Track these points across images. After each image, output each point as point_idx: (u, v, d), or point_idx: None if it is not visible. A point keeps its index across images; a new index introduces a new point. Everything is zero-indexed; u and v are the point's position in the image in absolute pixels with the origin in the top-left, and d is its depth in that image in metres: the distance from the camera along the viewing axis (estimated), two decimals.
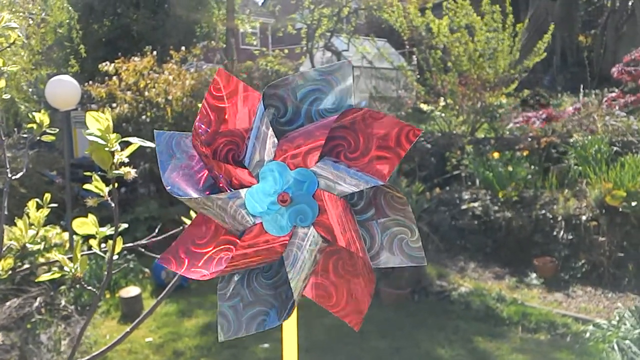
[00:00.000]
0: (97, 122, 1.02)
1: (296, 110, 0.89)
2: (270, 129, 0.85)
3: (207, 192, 0.89)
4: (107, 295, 5.78)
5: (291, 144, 0.85)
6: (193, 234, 0.91)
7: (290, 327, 0.95)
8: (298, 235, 0.86)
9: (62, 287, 5.44)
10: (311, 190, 0.85)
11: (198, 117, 0.88)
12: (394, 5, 10.71)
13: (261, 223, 0.85)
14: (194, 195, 0.87)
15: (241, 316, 0.89)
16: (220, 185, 0.88)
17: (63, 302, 5.07)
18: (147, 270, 6.28)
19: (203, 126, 0.88)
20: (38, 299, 4.76)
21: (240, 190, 0.85)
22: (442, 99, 9.56)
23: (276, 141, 0.86)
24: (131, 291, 5.65)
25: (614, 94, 8.57)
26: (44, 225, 1.58)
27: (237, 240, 0.87)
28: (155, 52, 9.19)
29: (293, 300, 0.86)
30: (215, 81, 0.88)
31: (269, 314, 0.88)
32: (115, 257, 1.23)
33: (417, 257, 0.89)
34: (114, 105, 8.59)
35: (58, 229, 1.83)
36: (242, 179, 0.86)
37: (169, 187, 0.87)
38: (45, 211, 1.45)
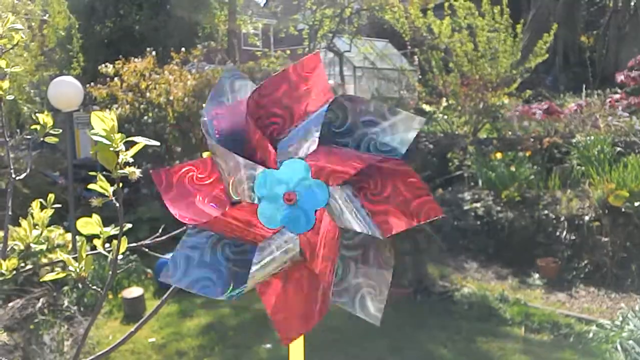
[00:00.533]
0: (102, 122, 1.02)
1: (352, 129, 0.88)
2: (318, 133, 0.85)
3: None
4: (110, 296, 5.78)
5: (326, 157, 0.85)
6: (194, 167, 0.91)
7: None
8: (284, 236, 0.86)
9: (65, 288, 5.44)
10: (317, 206, 0.85)
11: (270, 81, 0.89)
12: (396, 6, 10.72)
13: (257, 205, 0.85)
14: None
15: (190, 270, 0.89)
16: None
17: (66, 303, 5.08)
18: (149, 270, 6.28)
19: (268, 88, 0.89)
20: (41, 299, 4.77)
21: (258, 166, 0.85)
22: (444, 99, 9.56)
23: (314, 147, 0.85)
24: (134, 292, 5.65)
25: (617, 95, 8.56)
26: (48, 225, 1.58)
27: (227, 205, 0.88)
28: (155, 53, 9.20)
29: (244, 287, 0.86)
30: (306, 64, 0.89)
31: (215, 283, 0.89)
32: (120, 257, 1.23)
33: (372, 315, 0.92)
34: (116, 106, 8.61)
35: (61, 230, 1.84)
36: (266, 158, 0.86)
37: (205, 119, 0.89)
38: (49, 211, 1.45)
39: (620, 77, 8.91)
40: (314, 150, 0.85)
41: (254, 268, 0.85)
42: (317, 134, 0.84)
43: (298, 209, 0.84)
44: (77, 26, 9.40)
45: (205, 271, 0.89)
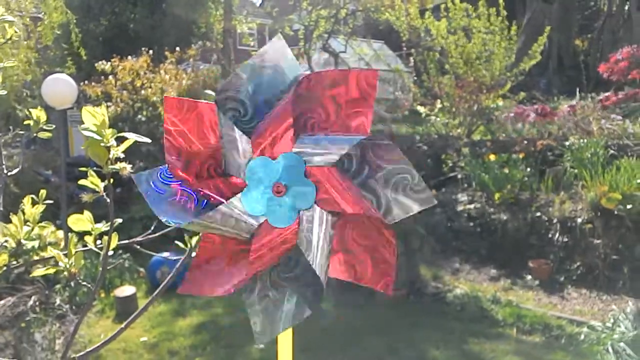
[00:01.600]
0: (93, 117, 1.02)
1: (254, 105, 0.88)
2: (237, 130, 0.85)
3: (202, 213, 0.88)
4: (102, 295, 5.76)
5: (263, 135, 0.85)
6: (203, 256, 0.91)
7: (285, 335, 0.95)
8: (305, 219, 0.85)
9: (57, 286, 5.42)
10: (301, 172, 0.84)
11: (165, 150, 0.88)
12: (396, 6, 10.73)
13: (266, 221, 0.84)
14: (191, 219, 0.86)
15: (273, 315, 0.88)
16: (213, 201, 0.87)
17: (58, 301, 5.06)
18: (142, 269, 6.26)
19: (173, 157, 0.88)
20: (32, 297, 4.74)
21: (234, 199, 0.84)
22: (438, 101, 9.59)
23: (248, 139, 0.85)
24: (126, 290, 5.64)
25: (607, 94, 8.63)
26: (39, 222, 1.57)
27: (249, 246, 0.87)
28: (151, 52, 9.19)
29: (322, 283, 0.85)
30: (166, 110, 0.88)
31: (300, 304, 0.88)
32: (110, 253, 1.22)
33: (425, 199, 0.85)
34: (110, 104, 8.59)
35: (52, 227, 1.83)
36: (234, 185, 0.86)
37: (164, 219, 0.86)
38: (40, 207, 1.45)
39: (604, 73, 8.97)
40: (251, 142, 0.85)
41: (315, 266, 0.85)
42: (237, 133, 0.85)
43: (293, 189, 0.84)
44: (74, 21, 9.34)
45: (285, 304, 0.89)
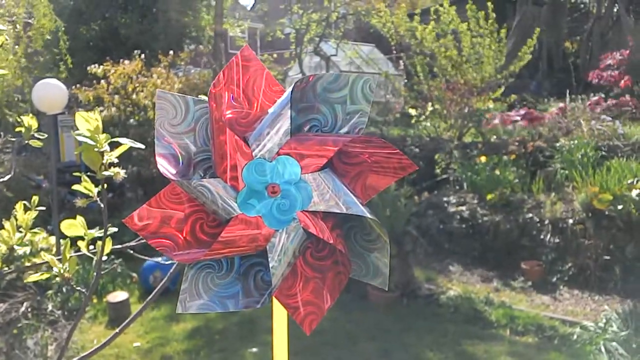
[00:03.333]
0: (87, 123, 1.02)
1: (313, 104, 0.90)
2: (288, 119, 0.85)
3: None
4: (95, 300, 5.73)
5: (302, 144, 0.86)
6: (165, 205, 0.89)
7: (280, 331, 0.95)
8: (287, 228, 0.86)
9: (49, 292, 5.39)
10: (297, 172, 0.85)
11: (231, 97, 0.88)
12: (382, 11, 10.78)
13: (243, 215, 0.84)
14: (179, 178, 0.86)
15: (204, 289, 0.89)
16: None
17: (50, 307, 5.03)
18: (134, 275, 6.24)
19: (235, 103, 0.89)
20: (25, 303, 4.72)
21: (234, 205, 0.85)
22: (429, 104, 9.62)
23: (287, 130, 0.85)
24: (119, 296, 5.62)
25: (595, 98, 8.69)
26: (31, 228, 1.57)
27: (216, 229, 0.88)
28: (143, 56, 9.17)
29: (272, 287, 0.86)
30: (241, 55, 0.89)
31: (238, 295, 0.89)
32: (104, 258, 1.22)
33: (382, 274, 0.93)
34: (101, 108, 8.56)
35: (45, 233, 1.82)
36: (241, 158, 0.85)
37: (159, 158, 0.87)
38: (32, 213, 1.44)
39: (592, 78, 9.05)
40: (288, 140, 0.85)
41: (274, 270, 0.85)
42: (288, 120, 0.85)
43: (279, 203, 0.84)
44: (63, 28, 9.32)
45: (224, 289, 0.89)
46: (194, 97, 0.90)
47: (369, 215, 0.86)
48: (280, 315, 0.94)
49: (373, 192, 0.91)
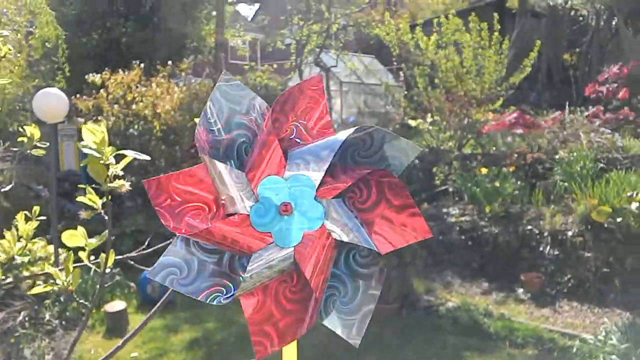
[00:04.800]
0: (93, 135, 1.02)
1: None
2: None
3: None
4: (92, 310, 5.71)
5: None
6: (182, 180, 0.91)
7: (290, 345, 0.95)
8: (280, 252, 0.87)
9: (47, 301, 5.37)
10: (309, 226, 0.86)
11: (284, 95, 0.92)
12: (386, 21, 10.84)
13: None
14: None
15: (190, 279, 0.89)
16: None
17: (47, 317, 5.01)
18: (132, 284, 6.22)
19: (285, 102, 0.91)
20: (22, 313, 4.69)
21: (246, 205, 0.86)
22: (429, 115, 9.64)
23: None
24: (116, 305, 5.60)
25: (594, 110, 8.72)
26: (31, 238, 1.57)
27: (209, 218, 0.89)
28: (143, 66, 9.19)
29: (233, 292, 0.87)
30: (310, 81, 0.93)
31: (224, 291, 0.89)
32: (108, 270, 1.22)
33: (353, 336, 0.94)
34: (100, 118, 8.57)
35: (43, 242, 1.82)
36: (275, 165, 0.87)
37: (200, 129, 0.89)
38: (34, 224, 1.44)
39: (591, 93, 9.09)
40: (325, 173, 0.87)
41: (247, 278, 0.86)
42: (330, 159, 0.87)
43: (290, 222, 0.85)
44: (63, 37, 9.34)
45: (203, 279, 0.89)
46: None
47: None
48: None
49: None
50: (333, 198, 0.87)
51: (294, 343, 0.94)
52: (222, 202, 0.88)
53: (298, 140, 0.91)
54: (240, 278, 0.87)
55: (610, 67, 9.18)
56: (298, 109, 0.91)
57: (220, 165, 0.87)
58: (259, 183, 0.86)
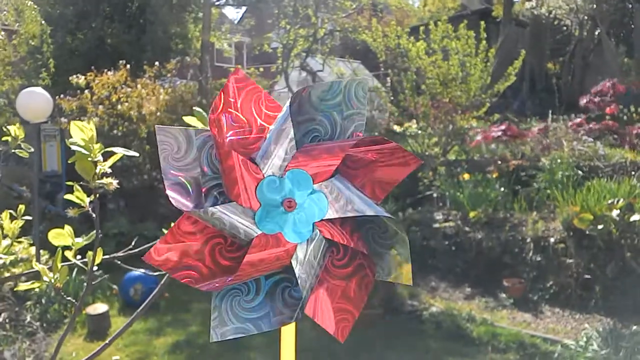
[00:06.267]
0: (81, 132, 1.01)
1: (313, 114, 0.91)
2: (292, 129, 0.87)
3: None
4: (73, 312, 5.65)
5: (309, 156, 0.87)
6: (180, 239, 0.89)
7: (288, 345, 0.95)
8: (309, 240, 0.87)
9: (28, 303, 5.30)
10: (309, 184, 0.86)
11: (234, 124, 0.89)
12: (373, 27, 10.90)
13: (263, 234, 0.85)
14: (193, 207, 0.86)
15: (236, 315, 0.89)
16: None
17: (28, 319, 4.94)
18: (115, 286, 6.16)
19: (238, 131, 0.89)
20: (2, 314, 4.63)
21: (253, 227, 0.86)
22: (414, 120, 9.69)
23: (293, 144, 0.87)
24: (98, 308, 5.54)
25: (578, 120, 8.82)
26: (16, 238, 1.55)
27: (236, 253, 0.88)
28: (128, 67, 9.13)
29: (302, 301, 0.87)
30: (233, 78, 0.90)
31: (269, 317, 0.89)
32: (95, 268, 1.21)
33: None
34: (84, 118, 8.50)
35: (25, 244, 1.80)
36: (251, 179, 0.86)
37: (171, 185, 0.87)
38: (19, 222, 1.43)
39: (583, 101, 9.21)
40: (294, 155, 0.86)
41: (303, 283, 0.86)
42: (291, 134, 0.86)
43: (297, 217, 0.85)
44: (48, 32, 9.23)
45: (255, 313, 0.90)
46: (195, 128, 0.90)
47: (384, 214, 0.87)
48: (288, 333, 0.94)
49: (387, 187, 0.93)
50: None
51: (293, 344, 0.94)
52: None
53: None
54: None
55: (604, 82, 9.29)
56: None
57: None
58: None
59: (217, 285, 0.87)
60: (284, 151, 0.85)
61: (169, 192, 0.86)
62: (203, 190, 0.88)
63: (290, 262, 0.86)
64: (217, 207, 0.84)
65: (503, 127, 8.31)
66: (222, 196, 0.88)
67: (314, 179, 0.86)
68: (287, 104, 0.88)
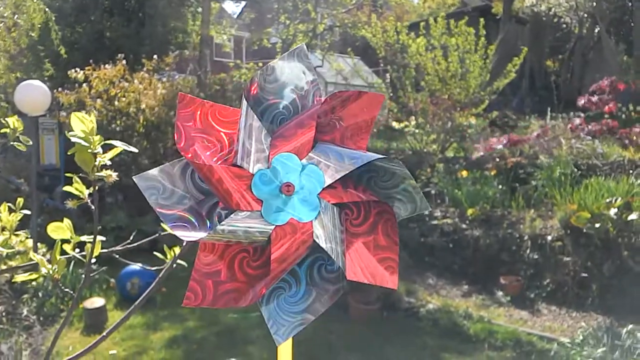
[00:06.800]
0: (82, 124, 1.01)
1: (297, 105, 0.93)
2: (259, 121, 0.88)
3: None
4: (70, 305, 5.65)
5: (283, 140, 0.88)
6: (204, 266, 0.90)
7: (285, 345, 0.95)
8: (321, 212, 0.87)
9: (25, 297, 5.30)
10: (317, 189, 0.87)
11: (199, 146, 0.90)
12: (373, 23, 10.88)
13: (277, 228, 0.85)
14: (203, 233, 0.86)
15: (286, 314, 0.90)
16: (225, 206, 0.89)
17: (25, 312, 4.94)
18: (112, 280, 6.16)
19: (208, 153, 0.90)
20: None
21: (266, 225, 0.86)
22: (413, 117, 9.69)
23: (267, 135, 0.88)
24: (95, 302, 5.54)
25: (578, 120, 8.83)
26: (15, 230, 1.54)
27: (258, 256, 0.89)
28: (126, 61, 9.10)
29: (341, 270, 0.87)
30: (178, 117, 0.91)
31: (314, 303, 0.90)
32: (93, 261, 1.21)
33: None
34: (83, 112, 8.47)
35: (23, 237, 1.79)
36: (238, 174, 0.86)
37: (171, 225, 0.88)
38: (18, 215, 1.42)
39: (581, 101, 9.23)
40: (271, 143, 0.88)
41: (335, 255, 0.86)
42: (259, 125, 0.88)
43: (286, 203, 0.85)
44: (53, 19, 9.15)
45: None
46: (168, 163, 0.91)
47: (376, 157, 0.87)
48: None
49: (364, 133, 0.94)
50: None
51: (290, 343, 0.94)
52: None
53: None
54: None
55: (603, 80, 9.31)
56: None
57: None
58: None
59: (257, 293, 0.87)
60: (260, 143, 0.87)
61: (175, 232, 0.86)
62: (204, 214, 0.88)
63: (314, 240, 0.86)
64: (225, 221, 0.85)
65: (505, 140, 8.32)
66: (224, 211, 0.88)
67: (299, 155, 0.86)
68: (243, 100, 0.89)
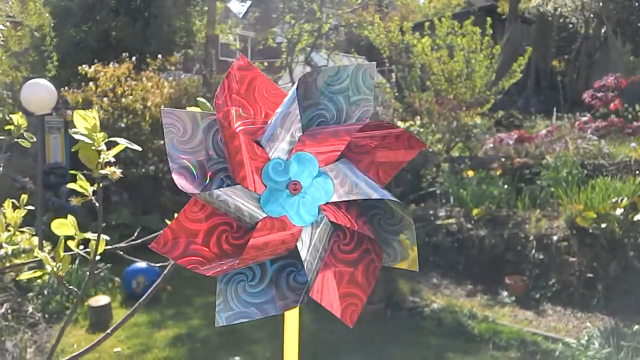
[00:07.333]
0: (85, 121, 1.01)
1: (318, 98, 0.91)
2: (299, 114, 0.86)
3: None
4: (75, 301, 5.66)
5: (315, 140, 0.86)
6: (185, 225, 0.89)
7: (291, 338, 0.95)
8: (314, 223, 0.86)
9: (30, 294, 5.32)
10: (315, 166, 0.86)
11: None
12: (375, 23, 10.86)
13: (269, 217, 0.84)
14: (199, 190, 0.86)
15: (243, 300, 0.89)
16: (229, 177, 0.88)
17: (30, 309, 4.96)
18: (117, 279, 6.18)
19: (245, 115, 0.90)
20: (4, 305, 4.64)
21: (258, 210, 0.85)
22: (418, 117, 9.67)
23: (299, 127, 0.86)
24: (100, 300, 5.55)
25: (585, 118, 8.80)
26: (19, 227, 1.55)
27: (241, 235, 0.88)
28: (133, 59, 9.13)
29: (308, 284, 0.86)
30: (237, 65, 0.90)
31: (274, 301, 0.89)
32: (98, 258, 1.21)
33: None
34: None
35: (27, 235, 1.80)
36: (258, 161, 0.86)
37: (177, 166, 0.87)
38: (21, 212, 1.43)
39: (586, 97, 9.20)
40: (300, 138, 0.86)
41: (308, 266, 0.86)
42: (298, 117, 0.86)
43: (302, 200, 0.85)
44: (51, 24, 9.22)
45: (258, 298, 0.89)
46: (201, 111, 0.90)
47: (390, 198, 0.86)
48: (291, 319, 0.94)
49: (391, 171, 0.93)
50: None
51: (296, 343, 0.94)
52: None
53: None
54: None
55: (607, 76, 9.27)
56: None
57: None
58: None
59: (222, 269, 0.87)
60: (290, 134, 0.85)
61: (174, 177, 0.86)
62: (209, 174, 0.88)
63: (296, 246, 0.85)
64: (223, 189, 0.84)
65: (515, 135, 8.30)
66: (228, 179, 0.87)
67: (320, 162, 0.85)
68: (294, 87, 0.88)
